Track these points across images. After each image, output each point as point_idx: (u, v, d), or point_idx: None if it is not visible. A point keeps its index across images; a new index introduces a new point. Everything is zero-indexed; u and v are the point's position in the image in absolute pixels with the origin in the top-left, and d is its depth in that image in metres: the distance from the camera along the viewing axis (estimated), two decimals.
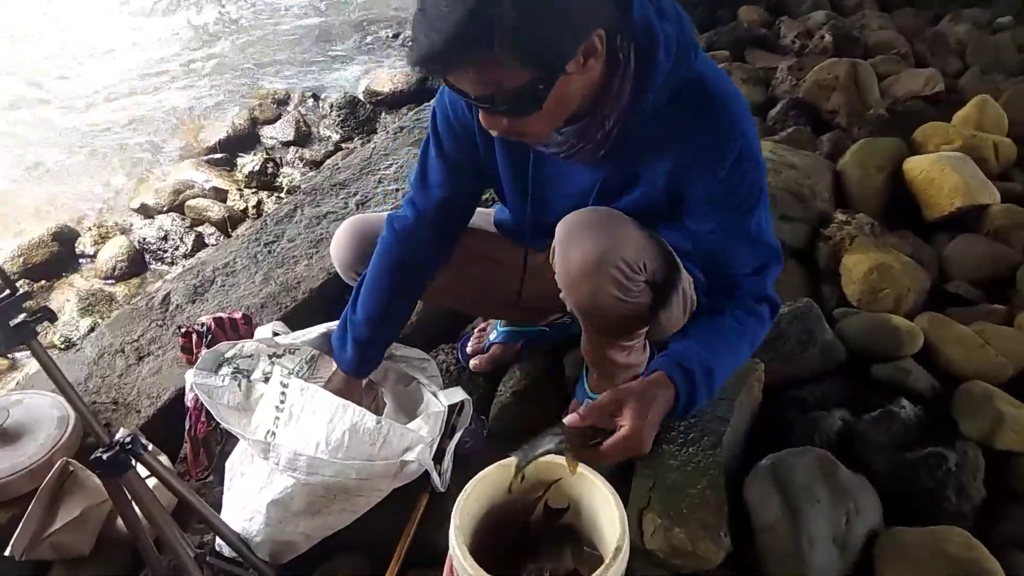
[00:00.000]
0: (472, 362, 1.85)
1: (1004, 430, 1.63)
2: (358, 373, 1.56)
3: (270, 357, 1.60)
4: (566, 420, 1.15)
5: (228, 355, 1.58)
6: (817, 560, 1.42)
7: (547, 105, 1.06)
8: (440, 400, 1.54)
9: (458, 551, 1.13)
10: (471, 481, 1.29)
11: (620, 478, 1.60)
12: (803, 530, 1.45)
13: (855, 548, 1.49)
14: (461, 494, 1.27)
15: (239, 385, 1.53)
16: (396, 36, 4.82)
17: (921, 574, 1.39)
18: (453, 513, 1.24)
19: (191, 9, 5.39)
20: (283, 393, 1.47)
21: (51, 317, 1.21)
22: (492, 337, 1.86)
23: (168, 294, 2.06)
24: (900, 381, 1.79)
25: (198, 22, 5.14)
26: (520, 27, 0.96)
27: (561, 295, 1.38)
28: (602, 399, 1.14)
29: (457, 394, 1.56)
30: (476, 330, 1.92)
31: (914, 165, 2.38)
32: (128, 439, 1.22)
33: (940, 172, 2.30)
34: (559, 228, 1.30)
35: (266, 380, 1.55)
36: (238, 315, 1.86)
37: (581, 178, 1.31)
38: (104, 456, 1.19)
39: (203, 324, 1.81)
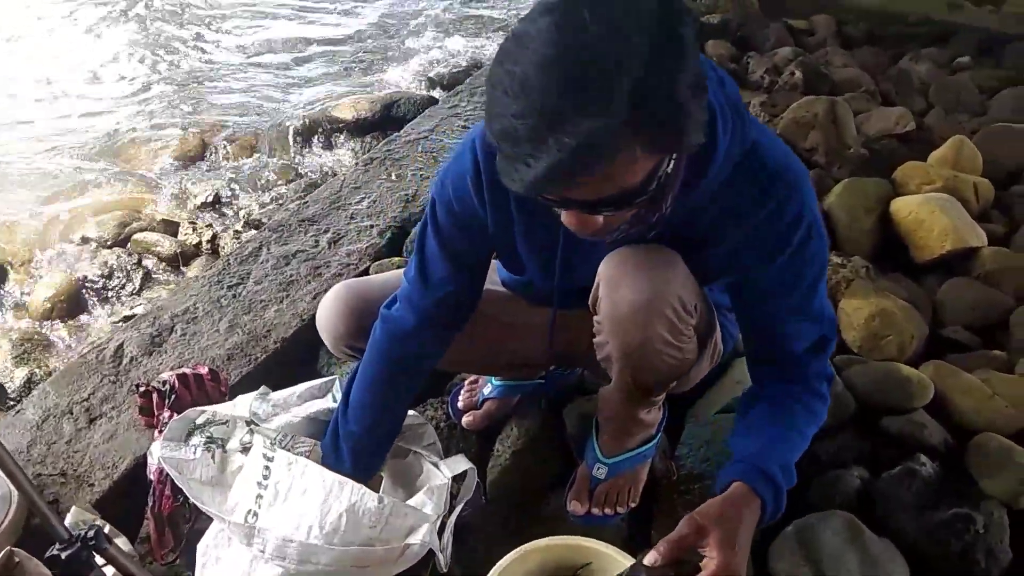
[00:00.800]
0: (465, 419, 1.70)
1: None
2: (357, 479, 1.38)
3: (248, 424, 1.42)
4: (646, 560, 1.01)
5: (199, 422, 1.40)
6: None
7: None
8: (443, 472, 1.39)
9: None
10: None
11: (634, 551, 1.48)
12: None
13: None
14: None
15: (212, 456, 1.34)
16: (361, 62, 4.64)
17: None
18: None
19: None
20: (267, 467, 1.30)
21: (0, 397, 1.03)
22: (486, 392, 1.71)
23: (121, 345, 1.85)
24: (914, 435, 1.71)
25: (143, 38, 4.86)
26: (673, 115, 0.81)
27: (597, 339, 1.26)
28: (681, 530, 1.01)
29: (460, 463, 1.41)
30: (467, 383, 1.77)
31: (902, 206, 2.35)
32: (90, 533, 1.04)
33: (929, 214, 2.27)
34: (604, 265, 1.17)
35: (244, 451, 1.37)
36: (204, 370, 1.67)
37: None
38: (62, 555, 1.01)
39: (164, 382, 1.61)
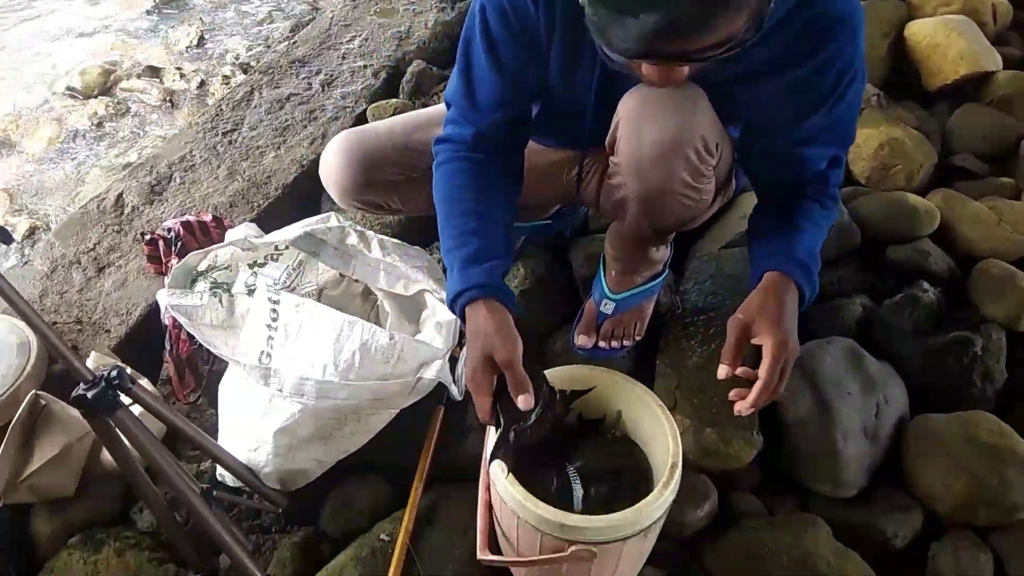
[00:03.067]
0: None
1: None
2: (488, 292, 1.09)
3: (250, 267, 1.42)
4: (720, 375, 1.07)
5: (202, 268, 1.40)
6: (851, 454, 1.39)
7: None
8: None
9: (501, 478, 1.04)
10: None
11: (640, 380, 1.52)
12: (836, 425, 1.40)
13: (885, 438, 1.46)
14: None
15: (220, 301, 1.35)
16: None
17: (954, 463, 1.37)
18: (488, 440, 1.14)
19: None
20: (274, 310, 1.31)
21: (6, 239, 1.02)
22: None
23: (121, 195, 1.82)
24: (919, 263, 1.72)
25: None
26: None
27: (613, 181, 1.21)
28: (730, 335, 1.07)
29: None
30: None
31: (917, 30, 2.24)
32: (114, 372, 1.06)
33: (945, 37, 2.18)
34: (624, 103, 1.10)
35: (250, 293, 1.39)
36: (208, 217, 1.66)
37: None
38: (88, 395, 1.04)
39: (169, 229, 1.61)
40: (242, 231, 1.41)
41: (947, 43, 2.17)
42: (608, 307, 1.52)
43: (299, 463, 1.31)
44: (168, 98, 2.72)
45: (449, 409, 1.43)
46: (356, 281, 1.52)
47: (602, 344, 1.54)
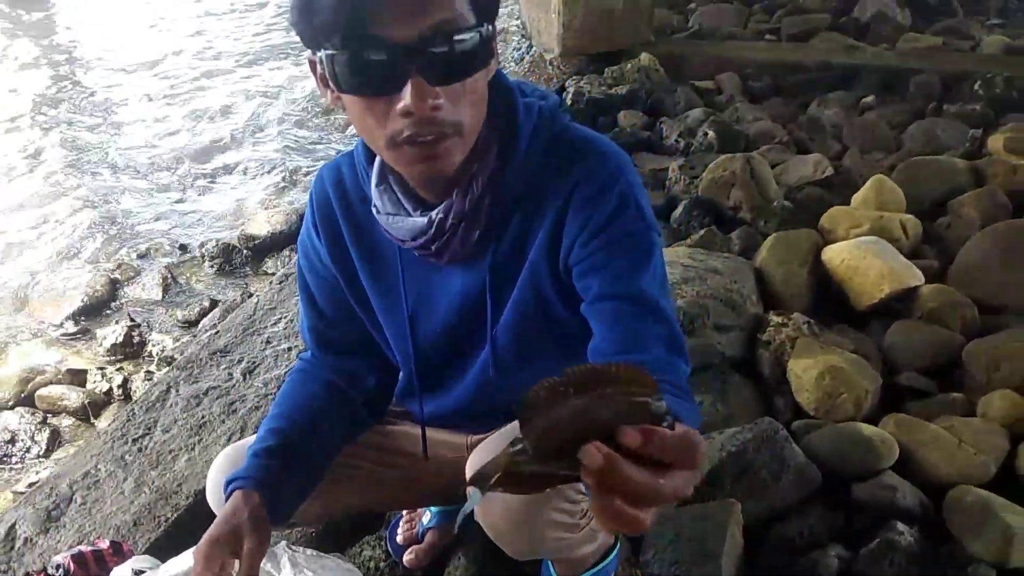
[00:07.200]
0: (407, 557, 1.53)
1: (1016, 546, 1.45)
2: (257, 485, 1.07)
3: None
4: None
5: None
6: None
7: (476, 85, 0.91)
8: None
9: None
10: None
11: None
12: None
13: None
14: None
15: None
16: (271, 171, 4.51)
17: None
18: None
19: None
20: None
21: None
22: (426, 521, 1.55)
23: (13, 526, 1.64)
24: (887, 500, 1.61)
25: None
26: None
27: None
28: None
29: None
30: (405, 515, 1.61)
31: (833, 255, 2.30)
32: None
33: (862, 259, 2.22)
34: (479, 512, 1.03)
35: None
36: (104, 544, 1.48)
37: (462, 282, 1.10)
38: None
39: (59, 566, 1.41)
40: (128, 569, 1.24)
41: (865, 265, 2.21)
42: None
43: None
44: (88, 402, 2.60)
45: None
46: None
47: None
